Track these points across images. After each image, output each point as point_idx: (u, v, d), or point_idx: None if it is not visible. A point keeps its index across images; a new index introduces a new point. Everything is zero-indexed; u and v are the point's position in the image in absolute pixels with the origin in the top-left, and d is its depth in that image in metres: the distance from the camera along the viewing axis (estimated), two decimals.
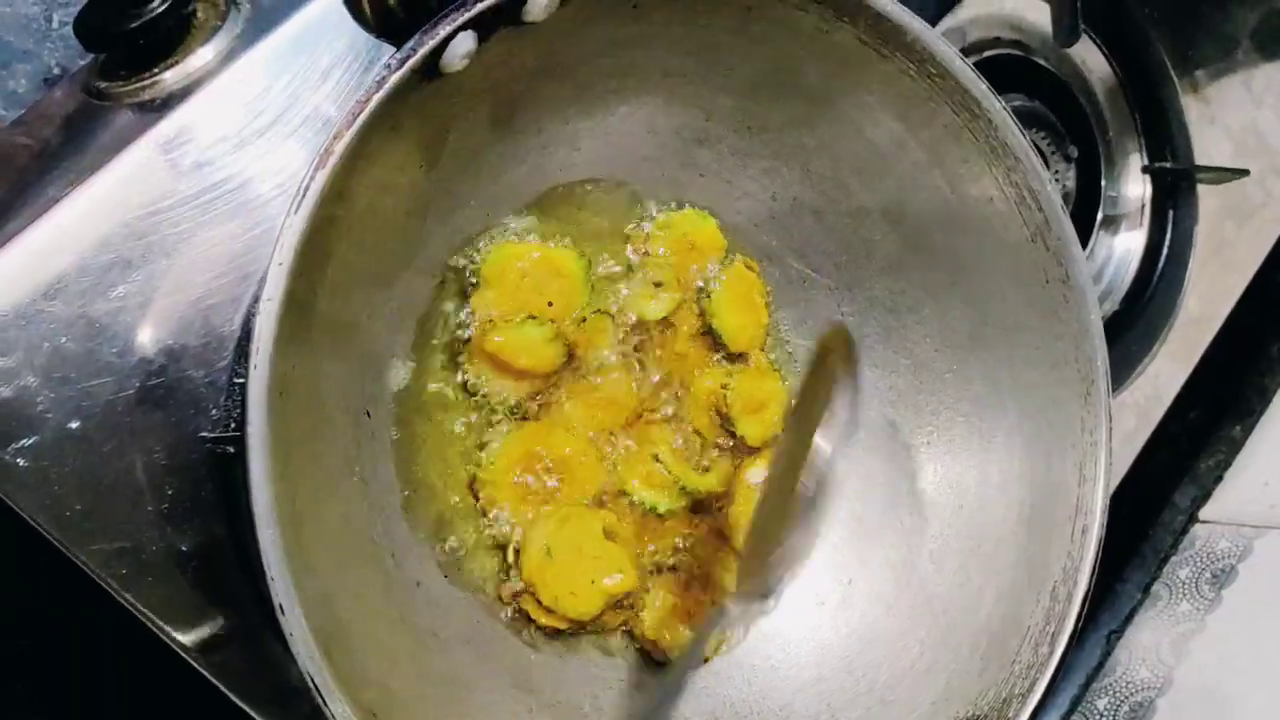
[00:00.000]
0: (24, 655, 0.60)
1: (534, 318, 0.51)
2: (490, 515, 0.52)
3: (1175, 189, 0.85)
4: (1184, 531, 0.89)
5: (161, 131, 0.49)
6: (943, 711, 0.52)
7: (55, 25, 0.62)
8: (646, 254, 0.55)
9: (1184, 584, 0.85)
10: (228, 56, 0.52)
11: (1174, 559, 0.88)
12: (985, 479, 0.57)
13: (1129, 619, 0.85)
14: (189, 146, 0.50)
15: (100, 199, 0.48)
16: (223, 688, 0.50)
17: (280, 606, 0.37)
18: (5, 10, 0.60)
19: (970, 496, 0.57)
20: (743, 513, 0.55)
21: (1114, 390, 0.54)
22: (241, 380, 0.50)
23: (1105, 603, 0.86)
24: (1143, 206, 0.85)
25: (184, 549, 0.49)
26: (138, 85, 0.52)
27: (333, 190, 0.39)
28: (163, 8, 0.50)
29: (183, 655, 0.50)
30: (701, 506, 0.56)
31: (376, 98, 0.39)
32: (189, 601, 0.50)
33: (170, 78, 0.52)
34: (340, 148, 0.39)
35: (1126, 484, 0.79)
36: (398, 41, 0.41)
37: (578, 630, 0.52)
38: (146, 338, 0.48)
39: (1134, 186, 0.85)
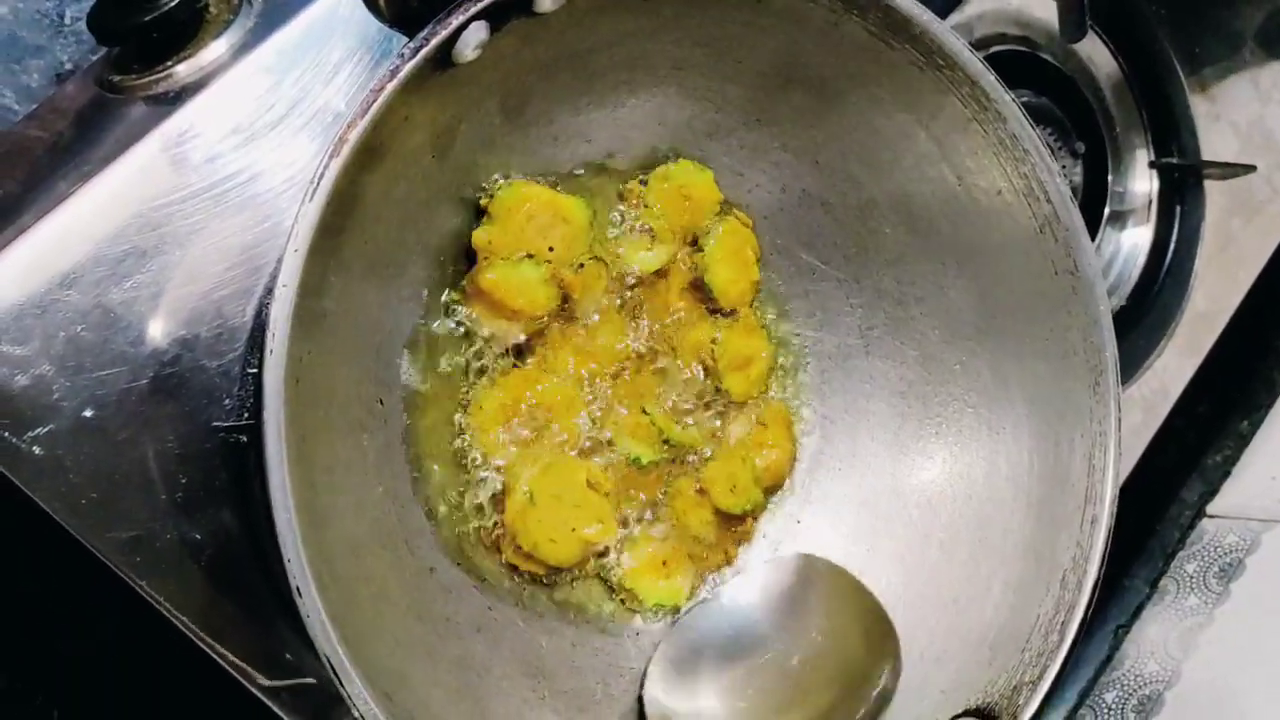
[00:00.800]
0: (27, 645, 0.61)
1: (531, 257, 0.50)
2: (474, 461, 0.51)
3: (1182, 185, 0.86)
4: (1191, 526, 0.89)
5: (174, 124, 0.50)
6: (953, 700, 0.52)
7: (68, 21, 0.62)
8: (644, 205, 0.54)
9: (1192, 578, 0.85)
10: (240, 50, 0.52)
11: (1181, 553, 0.88)
12: (994, 470, 0.57)
13: (1137, 613, 0.86)
14: (201, 139, 0.50)
15: (114, 191, 0.48)
16: (236, 675, 0.50)
17: (297, 589, 0.38)
18: (18, 6, 0.61)
19: (979, 487, 0.57)
20: (723, 469, 0.57)
21: (1122, 385, 0.54)
22: (254, 370, 0.50)
23: (1113, 597, 0.87)
24: (1149, 202, 0.85)
25: (197, 537, 0.50)
26: (150, 79, 0.52)
27: (346, 179, 0.40)
28: (175, 2, 0.51)
29: (196, 643, 0.50)
30: (683, 461, 0.56)
31: (390, 87, 0.40)
32: (202, 590, 0.50)
33: (183, 71, 0.52)
34: (354, 137, 0.39)
35: (1134, 478, 0.79)
36: (410, 31, 0.41)
37: (554, 577, 0.53)
38: (160, 328, 0.49)
39: (1141, 182, 0.85)
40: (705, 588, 0.58)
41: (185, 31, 0.52)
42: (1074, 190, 0.80)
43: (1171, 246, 0.85)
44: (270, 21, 0.53)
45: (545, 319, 0.52)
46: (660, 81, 0.52)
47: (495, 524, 0.51)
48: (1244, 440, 0.92)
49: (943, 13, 0.72)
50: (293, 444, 0.38)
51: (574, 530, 0.52)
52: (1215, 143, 0.86)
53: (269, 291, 0.50)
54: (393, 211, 0.46)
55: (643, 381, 0.55)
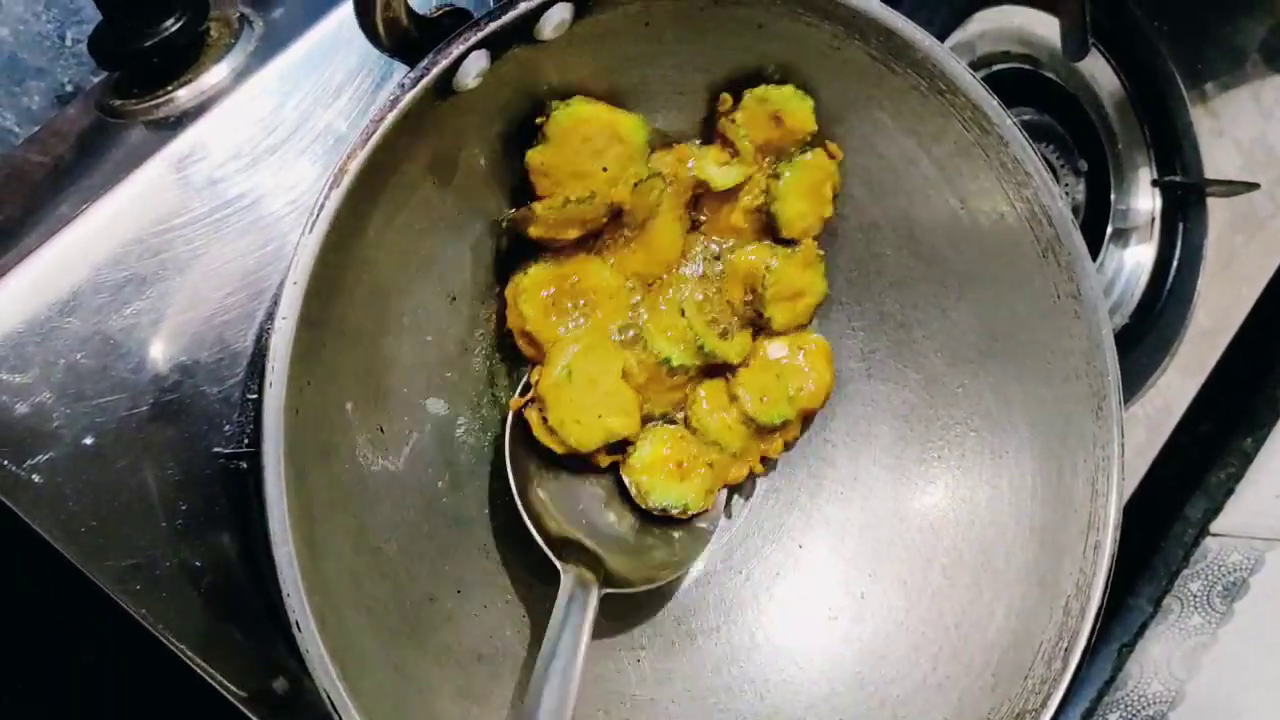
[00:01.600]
0: (27, 658, 0.60)
1: (577, 201, 0.49)
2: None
3: (1185, 202, 0.85)
4: (1195, 544, 0.89)
5: (175, 149, 0.50)
6: None
7: (69, 43, 0.62)
8: (731, 121, 0.53)
9: (1195, 597, 0.85)
10: (241, 74, 0.52)
11: (1185, 572, 0.87)
12: (997, 494, 0.57)
13: (1140, 632, 0.85)
14: (202, 164, 0.50)
15: (114, 216, 0.48)
16: (236, 703, 0.50)
17: (296, 624, 0.38)
18: (19, 28, 0.60)
19: (982, 511, 0.57)
20: (756, 378, 0.56)
21: (1125, 403, 0.53)
22: (255, 396, 0.50)
23: (1116, 616, 0.86)
24: (1152, 220, 0.85)
25: (197, 564, 0.50)
26: (151, 103, 0.52)
27: (347, 209, 0.40)
28: (176, 26, 0.51)
29: (196, 670, 0.50)
30: (714, 372, 0.56)
31: (390, 117, 0.40)
32: (202, 617, 0.50)
33: (184, 95, 0.52)
34: (354, 167, 0.39)
35: (1137, 497, 0.79)
36: (411, 60, 0.41)
37: (569, 458, 0.53)
38: (160, 354, 0.49)
39: (1144, 200, 0.85)
40: (719, 505, 0.58)
41: (186, 56, 0.52)
42: (1076, 208, 0.80)
43: (1174, 264, 0.85)
44: (271, 45, 0.53)
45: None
46: (661, 107, 0.52)
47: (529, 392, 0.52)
48: (1248, 458, 0.92)
49: (944, 31, 0.72)
50: (292, 477, 0.38)
51: (600, 417, 0.51)
52: (1218, 159, 0.86)
53: (270, 317, 0.49)
54: (395, 240, 0.46)
55: (687, 289, 0.55)
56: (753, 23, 0.49)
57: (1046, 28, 0.77)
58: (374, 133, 0.39)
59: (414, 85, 0.40)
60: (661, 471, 0.55)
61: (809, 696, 0.55)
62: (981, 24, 0.75)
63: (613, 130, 0.50)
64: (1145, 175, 0.85)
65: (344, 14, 0.52)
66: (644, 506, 0.55)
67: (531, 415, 0.51)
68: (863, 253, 0.58)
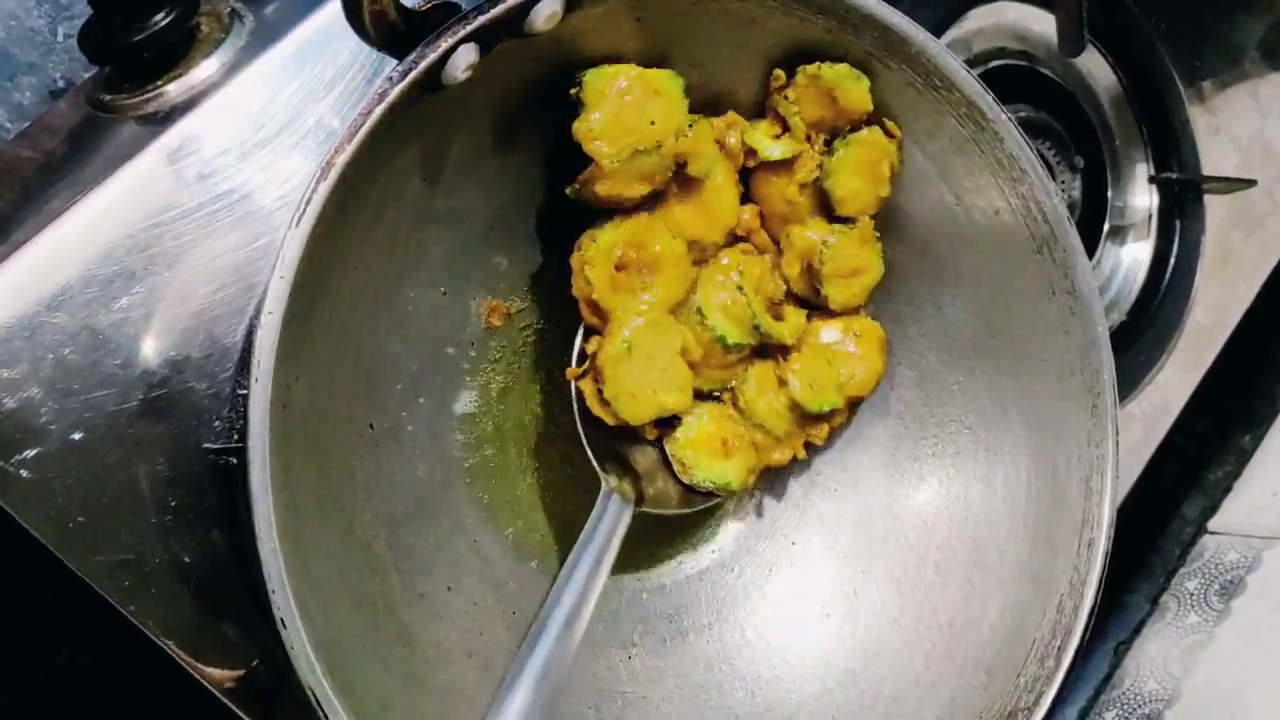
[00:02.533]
0: (26, 661, 0.60)
1: (640, 152, 0.48)
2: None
3: (1182, 199, 0.85)
4: (1192, 543, 0.88)
5: (165, 143, 0.49)
6: None
7: (60, 38, 0.62)
8: (785, 98, 0.53)
9: (1192, 595, 0.85)
10: (231, 69, 0.52)
11: (1182, 570, 0.87)
12: (991, 492, 0.56)
13: (1137, 631, 0.85)
14: (192, 158, 0.50)
15: (104, 211, 0.48)
16: (224, 699, 0.50)
17: (281, 621, 0.37)
18: (11, 23, 0.60)
19: (975, 509, 0.57)
20: (807, 363, 0.55)
21: (1121, 401, 0.53)
22: (244, 392, 0.50)
23: (1113, 614, 0.86)
24: (1149, 217, 0.85)
25: (186, 560, 0.49)
26: (142, 98, 0.52)
27: (335, 203, 0.39)
28: (166, 21, 0.51)
29: (184, 667, 0.50)
30: (766, 352, 0.55)
31: (378, 110, 0.39)
32: (191, 613, 0.50)
33: (174, 90, 0.52)
34: (342, 161, 0.39)
35: (1134, 495, 0.79)
36: (399, 54, 0.41)
37: (618, 432, 0.52)
38: (150, 349, 0.48)
39: (1141, 197, 0.85)
40: (761, 486, 0.58)
41: (176, 51, 0.52)
42: (1073, 205, 0.80)
43: (1172, 261, 0.85)
44: (262, 40, 0.53)
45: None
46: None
47: (587, 364, 0.51)
48: (1245, 456, 0.92)
49: (940, 27, 0.72)
50: (279, 471, 0.38)
51: (655, 393, 0.51)
52: (1215, 156, 0.86)
53: (259, 313, 0.49)
54: (384, 234, 0.45)
55: (745, 261, 0.54)
56: (746, 18, 0.49)
57: (1043, 24, 0.77)
58: (361, 126, 0.39)
59: (401, 79, 0.40)
60: (706, 449, 0.54)
61: (801, 694, 0.55)
62: (978, 20, 0.75)
63: (647, 83, 0.48)
64: (1142, 172, 0.85)
65: (334, 9, 0.52)
66: (686, 481, 0.54)
67: (586, 386, 0.51)
68: None
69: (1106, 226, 0.83)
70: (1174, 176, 0.84)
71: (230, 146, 0.50)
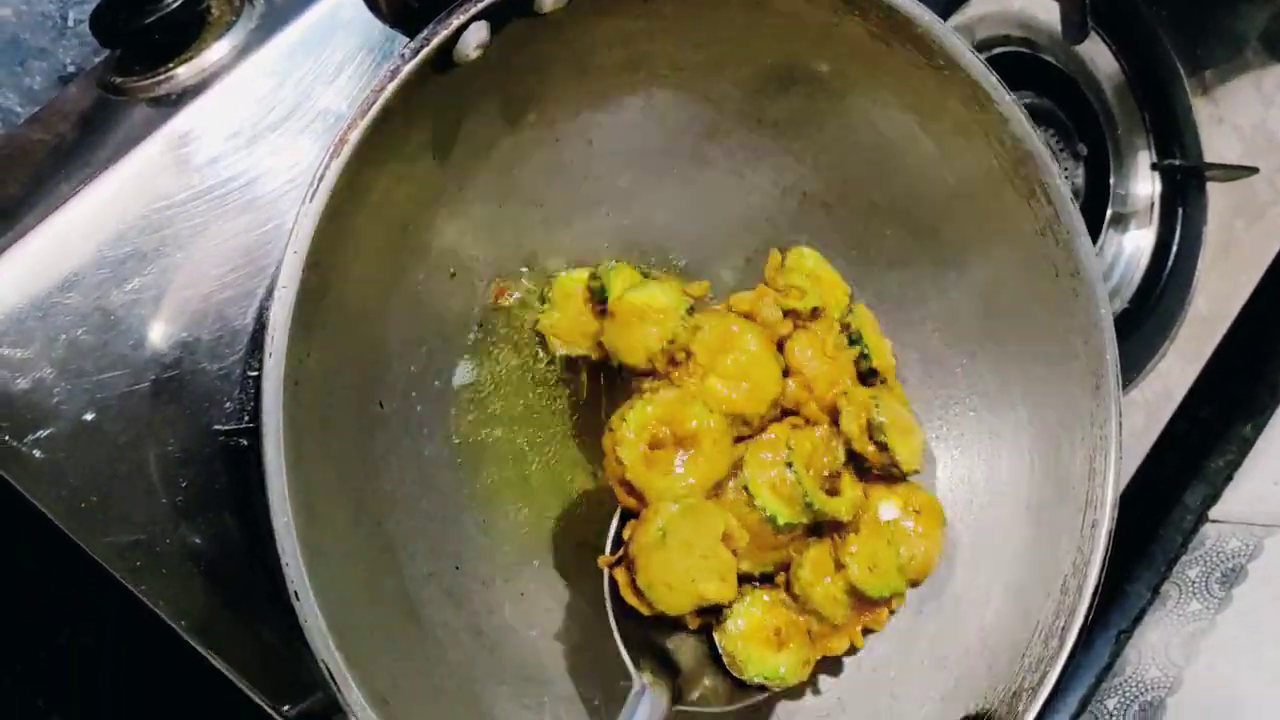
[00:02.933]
0: (28, 640, 0.61)
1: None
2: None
3: (1184, 187, 0.85)
4: (1194, 531, 0.89)
5: (176, 126, 0.50)
6: (953, 706, 0.52)
7: (71, 23, 0.62)
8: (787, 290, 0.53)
9: (1193, 583, 0.85)
10: (241, 52, 0.52)
11: (1184, 558, 0.87)
12: (994, 474, 0.57)
13: (1138, 619, 0.85)
14: (203, 141, 0.50)
15: (116, 193, 0.48)
16: (235, 679, 0.50)
17: (295, 593, 0.38)
18: (22, 8, 0.60)
19: (979, 492, 0.57)
20: (866, 545, 0.51)
21: (1123, 388, 0.53)
22: (255, 373, 0.50)
23: (1114, 602, 0.86)
24: (1152, 204, 0.85)
25: (197, 541, 0.50)
26: (152, 80, 0.52)
27: (347, 180, 0.40)
28: (177, 3, 0.51)
29: (194, 646, 0.50)
30: (820, 530, 0.52)
31: (390, 87, 0.40)
32: (201, 593, 0.50)
33: (184, 73, 0.52)
34: (355, 137, 0.39)
35: (1136, 483, 0.79)
36: (411, 31, 0.41)
37: (656, 620, 0.49)
38: (161, 330, 0.49)
39: (1143, 184, 0.85)
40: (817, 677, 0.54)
41: (187, 33, 0.52)
42: (1076, 192, 0.80)
43: (1174, 249, 0.85)
44: (272, 23, 0.53)
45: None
46: (660, 83, 0.52)
47: (621, 551, 0.49)
48: (1247, 444, 0.92)
49: (944, 14, 0.72)
50: (292, 447, 0.38)
51: (694, 581, 0.48)
52: (1218, 145, 0.86)
53: (270, 294, 0.50)
54: (393, 213, 0.46)
55: (794, 438, 0.51)
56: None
57: (1046, 11, 0.77)
58: (374, 103, 0.39)
59: (413, 56, 0.40)
60: (759, 640, 0.50)
61: None
62: (981, 7, 0.75)
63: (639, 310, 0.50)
64: (1145, 159, 0.85)
65: None
66: (738, 677, 0.50)
67: (620, 575, 0.49)
68: (862, 232, 0.58)
69: (1109, 213, 0.83)
70: (1176, 164, 0.85)
71: (241, 129, 0.51)
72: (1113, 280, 0.84)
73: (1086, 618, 0.52)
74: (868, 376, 0.54)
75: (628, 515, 0.49)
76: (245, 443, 0.50)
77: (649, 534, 0.47)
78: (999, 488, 0.56)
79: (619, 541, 0.49)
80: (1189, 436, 0.91)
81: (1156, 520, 0.90)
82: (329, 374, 0.43)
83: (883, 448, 0.52)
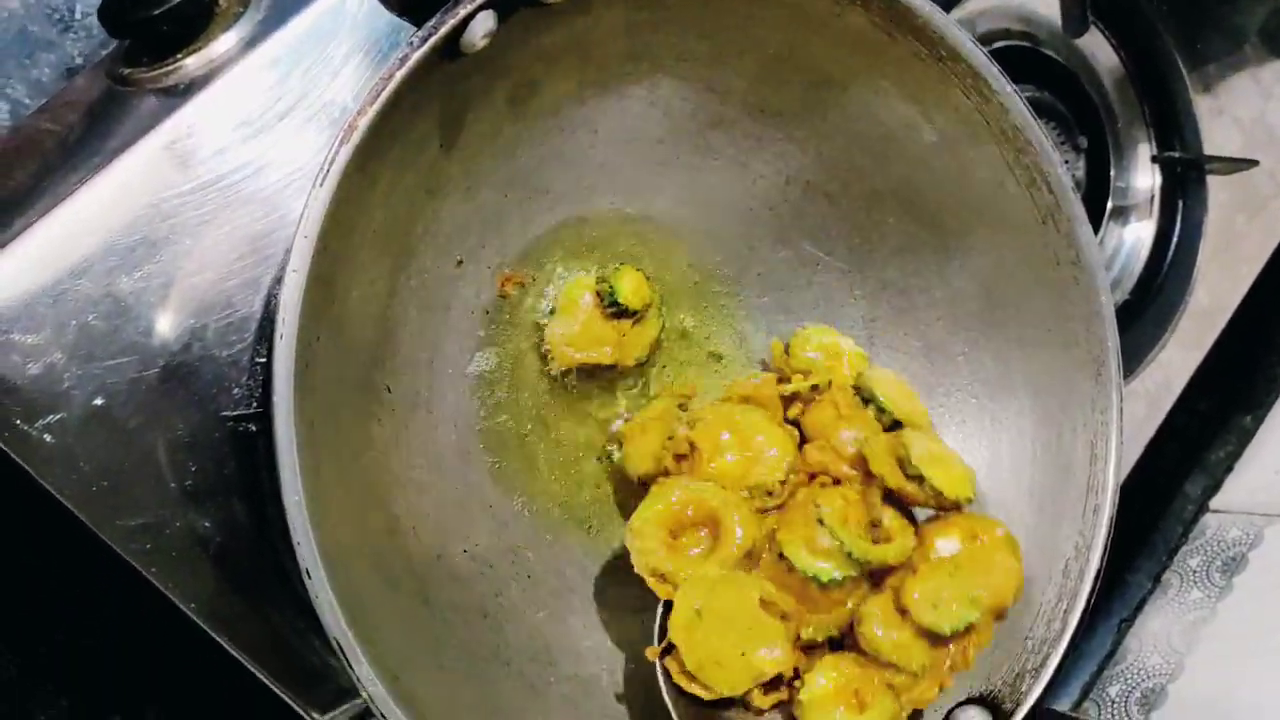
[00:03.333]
0: (30, 637, 0.61)
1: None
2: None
3: (1185, 179, 0.86)
4: (1194, 520, 0.89)
5: (184, 117, 0.50)
6: (956, 687, 0.52)
7: (78, 16, 0.63)
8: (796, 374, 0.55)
9: (1195, 572, 0.85)
10: (249, 43, 0.53)
11: (1184, 548, 0.88)
12: (997, 460, 0.57)
13: (1140, 607, 0.86)
14: (211, 131, 0.51)
15: (124, 182, 0.49)
16: (245, 662, 0.51)
17: (306, 571, 0.38)
18: (29, 1, 0.61)
19: (982, 477, 0.57)
20: (925, 582, 0.50)
21: (1124, 378, 0.54)
22: (263, 360, 0.51)
23: (1116, 591, 0.87)
24: (1152, 197, 0.86)
25: (206, 525, 0.50)
26: (160, 72, 0.53)
27: (356, 166, 0.40)
28: None
29: (202, 632, 0.50)
30: (880, 582, 0.51)
31: (399, 75, 0.40)
32: (210, 577, 0.50)
33: (192, 64, 0.53)
34: (364, 123, 0.40)
35: (1137, 473, 0.79)
36: (418, 21, 0.42)
37: (725, 704, 0.48)
38: (170, 317, 0.49)
39: (1143, 177, 0.85)
40: None
41: (195, 25, 0.53)
42: (1076, 185, 0.80)
43: (1174, 241, 0.86)
44: (279, 15, 0.54)
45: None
46: (665, 72, 0.52)
47: (665, 639, 0.48)
48: (1247, 435, 0.92)
49: (945, 7, 0.73)
50: (302, 428, 0.39)
51: (744, 655, 0.47)
52: (1218, 138, 0.86)
53: (278, 281, 0.50)
54: (402, 200, 0.46)
55: (820, 496, 0.51)
56: None
57: (1046, 5, 0.78)
58: (384, 90, 0.40)
59: (422, 44, 0.40)
60: (838, 706, 0.49)
61: None
62: (982, 1, 0.75)
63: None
64: (1145, 152, 0.85)
65: None
66: None
67: (671, 664, 0.47)
68: (865, 221, 0.58)
69: (1109, 206, 0.83)
70: (1176, 156, 0.85)
71: (248, 119, 0.51)
72: (1113, 272, 0.84)
73: (1088, 602, 0.52)
74: (893, 429, 0.54)
75: (670, 605, 0.48)
76: (254, 428, 0.51)
77: (684, 614, 0.47)
78: (1001, 474, 0.57)
79: (665, 632, 0.48)
80: (1189, 427, 0.91)
81: (1157, 510, 0.91)
82: (338, 358, 0.44)
83: (920, 481, 0.50)
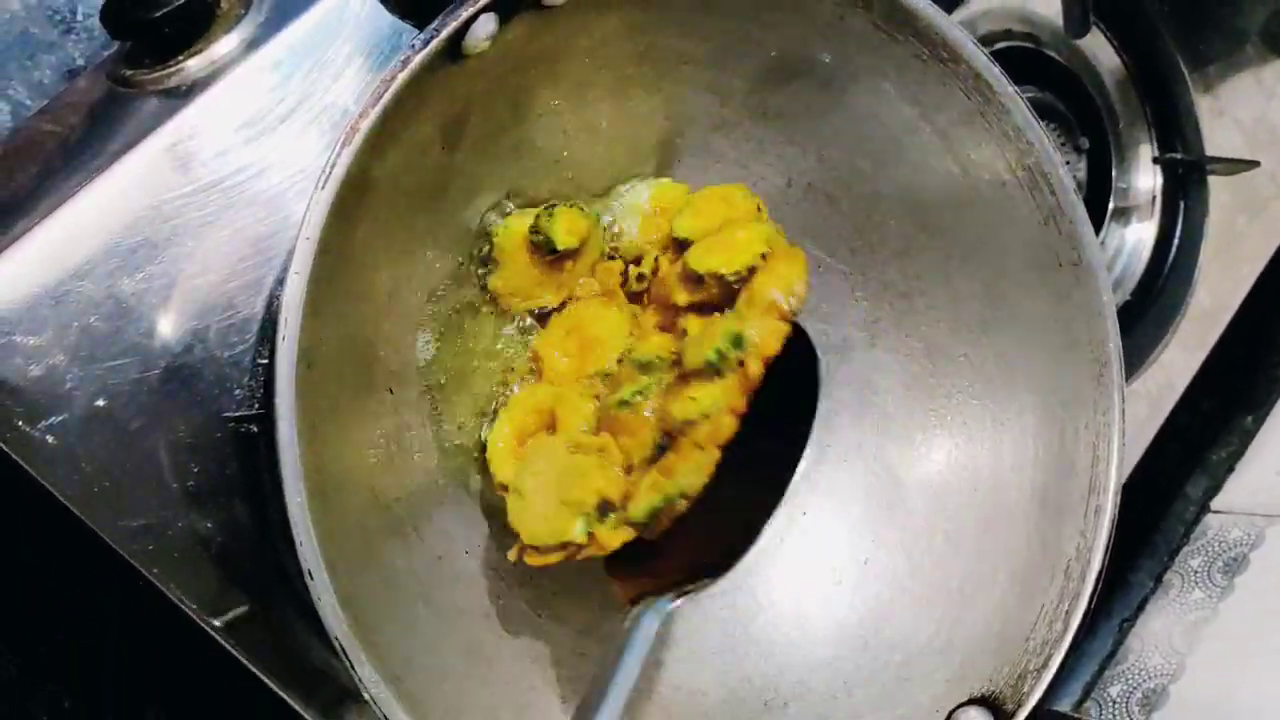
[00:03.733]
0: (29, 638, 0.61)
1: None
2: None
3: (1186, 180, 0.86)
4: (1196, 521, 0.89)
5: (185, 119, 0.50)
6: (958, 688, 0.52)
7: (79, 17, 0.63)
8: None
9: (1196, 573, 0.85)
10: (251, 45, 0.53)
11: (1186, 548, 0.88)
12: (999, 461, 0.57)
13: (1141, 607, 0.86)
14: (213, 133, 0.51)
15: (126, 184, 0.49)
16: (249, 664, 0.51)
17: (308, 572, 0.38)
18: (31, 2, 0.61)
19: (984, 478, 0.57)
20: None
21: (1126, 379, 0.54)
22: (265, 361, 0.51)
23: (1117, 591, 0.87)
24: (1153, 198, 0.86)
25: (208, 527, 0.50)
26: (162, 73, 0.53)
27: (358, 168, 0.40)
28: None
29: (208, 631, 0.50)
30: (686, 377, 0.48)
31: (401, 77, 0.40)
32: (212, 579, 0.51)
33: (194, 66, 0.53)
34: (366, 126, 0.40)
35: (1138, 474, 0.80)
36: (420, 23, 0.42)
37: (573, 558, 0.47)
38: (172, 319, 0.49)
39: (1145, 178, 0.86)
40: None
41: (197, 26, 0.53)
42: (1078, 186, 0.80)
43: (1175, 242, 0.86)
44: (280, 17, 0.54)
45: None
46: (666, 75, 0.52)
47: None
48: (1248, 436, 0.92)
49: (947, 10, 0.73)
50: (304, 428, 0.39)
51: (562, 502, 0.46)
52: (1219, 139, 0.86)
53: (280, 283, 0.50)
54: (403, 202, 0.46)
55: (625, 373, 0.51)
56: None
57: (1048, 6, 0.78)
58: (385, 92, 0.40)
59: (424, 46, 0.40)
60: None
61: (814, 658, 0.56)
62: (984, 2, 0.76)
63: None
64: (1146, 153, 0.85)
65: None
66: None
67: (529, 557, 0.46)
68: (865, 223, 0.58)
69: (1111, 207, 0.83)
70: (1178, 157, 0.85)
71: (249, 121, 0.51)
72: (1115, 273, 0.84)
73: (1091, 601, 0.52)
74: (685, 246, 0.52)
75: None
76: (255, 429, 0.51)
77: (513, 504, 0.47)
78: (1003, 474, 0.57)
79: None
80: (1191, 428, 0.91)
81: (1159, 510, 0.91)
82: (340, 358, 0.44)
83: (699, 280, 0.49)
